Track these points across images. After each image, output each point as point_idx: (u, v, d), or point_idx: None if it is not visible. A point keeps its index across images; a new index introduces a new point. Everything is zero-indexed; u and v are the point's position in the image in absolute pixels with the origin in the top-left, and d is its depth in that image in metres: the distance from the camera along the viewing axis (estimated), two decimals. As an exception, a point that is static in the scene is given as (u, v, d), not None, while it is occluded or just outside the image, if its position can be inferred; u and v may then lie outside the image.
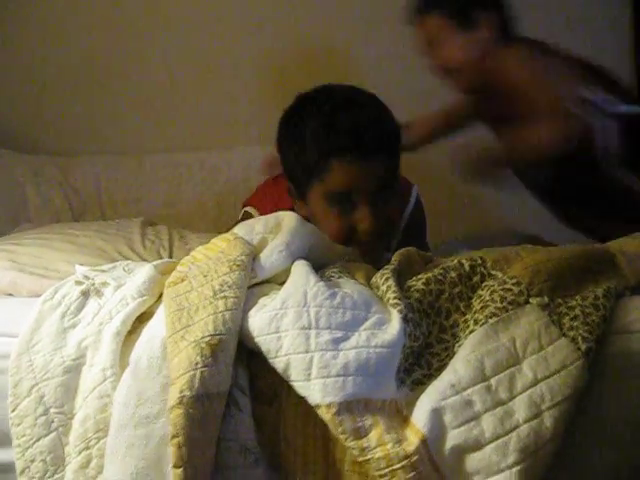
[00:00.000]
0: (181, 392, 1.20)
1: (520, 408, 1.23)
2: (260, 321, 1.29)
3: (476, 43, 2.11)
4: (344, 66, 2.85)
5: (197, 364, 1.22)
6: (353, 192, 1.67)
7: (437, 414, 1.22)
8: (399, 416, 1.24)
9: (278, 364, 1.26)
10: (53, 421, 1.37)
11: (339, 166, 1.66)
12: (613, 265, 1.44)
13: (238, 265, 1.37)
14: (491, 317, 1.30)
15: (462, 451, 1.22)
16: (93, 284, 1.47)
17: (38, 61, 2.89)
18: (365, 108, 1.70)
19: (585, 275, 1.40)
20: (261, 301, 1.35)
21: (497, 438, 1.21)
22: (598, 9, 2.77)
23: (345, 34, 2.87)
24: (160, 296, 1.44)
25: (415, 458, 1.19)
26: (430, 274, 1.39)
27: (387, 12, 2.60)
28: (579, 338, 1.27)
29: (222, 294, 1.32)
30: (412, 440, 1.20)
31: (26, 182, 2.68)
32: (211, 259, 1.42)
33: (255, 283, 1.41)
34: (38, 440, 1.37)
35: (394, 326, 1.29)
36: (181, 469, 1.20)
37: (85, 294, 1.46)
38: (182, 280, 1.39)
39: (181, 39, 2.91)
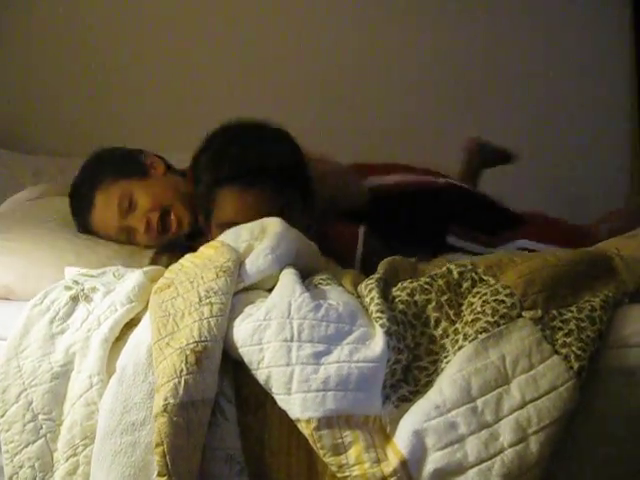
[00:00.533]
0: (165, 400, 1.20)
1: (506, 431, 1.19)
2: (244, 331, 1.28)
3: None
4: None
5: (181, 371, 1.21)
6: (240, 223, 1.58)
7: (419, 436, 1.19)
8: (382, 434, 1.21)
9: (260, 376, 1.24)
10: (41, 427, 1.37)
11: (223, 197, 1.66)
12: (611, 269, 1.40)
13: (224, 271, 1.36)
14: (481, 332, 1.27)
15: (444, 475, 1.18)
16: (82, 289, 1.46)
17: (38, 61, 2.88)
18: (257, 142, 1.71)
19: (582, 282, 1.36)
20: (247, 310, 1.33)
21: (480, 462, 1.18)
22: (598, 9, 2.75)
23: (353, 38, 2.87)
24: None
25: (393, 479, 1.17)
26: (416, 284, 1.36)
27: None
28: (572, 356, 1.23)
29: (207, 300, 1.30)
30: (391, 461, 1.18)
31: (26, 182, 2.67)
32: (198, 266, 1.40)
33: (242, 289, 1.39)
34: (26, 446, 1.37)
35: (377, 341, 1.26)
36: (165, 478, 1.19)
37: (74, 299, 1.45)
38: (168, 286, 1.37)
39: (182, 39, 2.90)
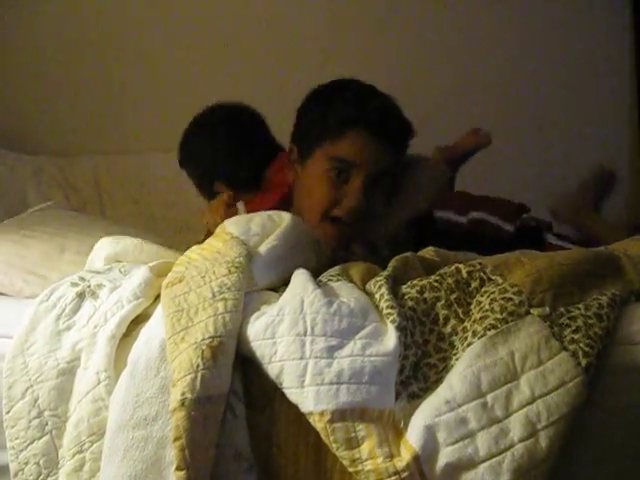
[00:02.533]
0: (183, 394, 1.19)
1: (515, 427, 1.19)
2: (257, 326, 1.28)
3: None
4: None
5: (198, 366, 1.20)
6: (355, 165, 1.74)
7: (431, 431, 1.18)
8: (394, 429, 1.21)
9: (272, 370, 1.24)
10: (47, 424, 1.36)
11: (354, 136, 1.75)
12: (618, 268, 1.40)
13: (237, 267, 1.35)
14: (490, 329, 1.26)
15: (455, 469, 1.18)
16: (89, 286, 1.45)
17: (38, 61, 2.87)
18: (391, 100, 1.82)
19: (589, 280, 1.35)
20: (262, 308, 1.33)
21: (491, 457, 1.18)
22: (598, 9, 2.75)
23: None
24: (156, 298, 1.42)
25: (405, 474, 1.16)
26: (425, 281, 1.36)
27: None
28: (580, 352, 1.23)
29: (221, 296, 1.29)
30: (404, 456, 1.17)
31: (26, 182, 2.67)
32: (208, 260, 1.40)
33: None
34: (32, 443, 1.36)
35: (390, 337, 1.26)
36: (184, 472, 1.18)
37: (81, 296, 1.44)
38: (180, 281, 1.36)
39: (182, 39, 2.89)
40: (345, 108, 1.76)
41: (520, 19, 2.77)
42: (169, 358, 1.25)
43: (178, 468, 1.18)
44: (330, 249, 1.69)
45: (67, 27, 2.88)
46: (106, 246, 1.59)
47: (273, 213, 1.54)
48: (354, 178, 1.75)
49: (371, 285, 1.38)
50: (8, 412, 1.37)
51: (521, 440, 1.18)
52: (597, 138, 2.77)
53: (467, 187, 2.48)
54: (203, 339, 1.23)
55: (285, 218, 1.51)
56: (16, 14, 2.85)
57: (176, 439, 1.18)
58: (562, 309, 1.30)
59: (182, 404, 1.18)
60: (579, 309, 1.29)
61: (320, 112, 1.80)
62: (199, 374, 1.20)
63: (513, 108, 2.79)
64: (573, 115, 2.78)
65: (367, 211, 1.76)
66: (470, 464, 1.18)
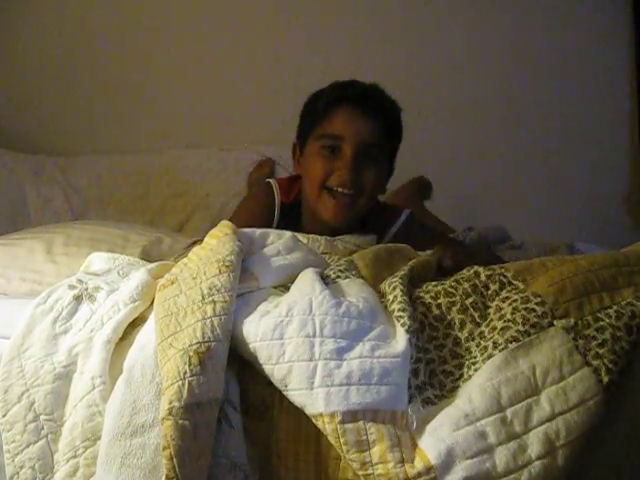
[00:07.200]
0: (170, 403, 1.16)
1: (534, 443, 1.14)
2: (264, 326, 1.24)
3: None
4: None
5: (185, 373, 1.17)
6: (344, 139, 1.85)
7: (448, 444, 1.14)
8: (407, 433, 1.17)
9: (278, 371, 1.20)
10: (43, 428, 1.33)
11: (338, 113, 1.88)
12: None
13: (227, 266, 1.31)
14: (512, 342, 1.22)
15: None
16: (86, 289, 1.42)
17: (38, 62, 2.87)
18: (377, 87, 1.92)
19: (619, 280, 1.28)
20: (262, 307, 1.29)
21: (509, 473, 1.13)
22: (598, 9, 2.73)
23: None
24: (153, 301, 1.39)
25: None
26: (440, 287, 1.33)
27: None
28: (602, 369, 1.17)
29: (210, 298, 1.26)
30: (417, 464, 1.14)
31: (26, 182, 2.65)
32: (201, 259, 1.36)
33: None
34: (28, 447, 1.34)
35: (399, 339, 1.23)
36: None
37: (78, 299, 1.41)
38: (172, 283, 1.33)
39: (182, 39, 2.88)
40: (329, 93, 1.91)
41: (520, 19, 2.75)
42: (159, 365, 1.22)
43: (168, 477, 1.15)
44: (332, 222, 1.84)
45: (67, 27, 2.88)
46: (103, 261, 1.56)
47: (278, 232, 1.55)
48: (344, 151, 1.85)
49: (385, 286, 1.35)
50: (4, 415, 1.34)
51: (539, 457, 1.14)
52: (597, 138, 2.76)
53: (465, 187, 2.48)
54: (190, 345, 1.19)
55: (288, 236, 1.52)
56: (16, 14, 2.84)
57: (164, 448, 1.15)
58: (589, 317, 1.23)
59: (170, 413, 1.15)
60: (610, 317, 1.23)
61: (311, 104, 1.94)
62: (186, 382, 1.17)
63: (511, 107, 2.78)
64: (572, 115, 2.76)
65: (360, 181, 1.85)
66: (487, 479, 1.13)
